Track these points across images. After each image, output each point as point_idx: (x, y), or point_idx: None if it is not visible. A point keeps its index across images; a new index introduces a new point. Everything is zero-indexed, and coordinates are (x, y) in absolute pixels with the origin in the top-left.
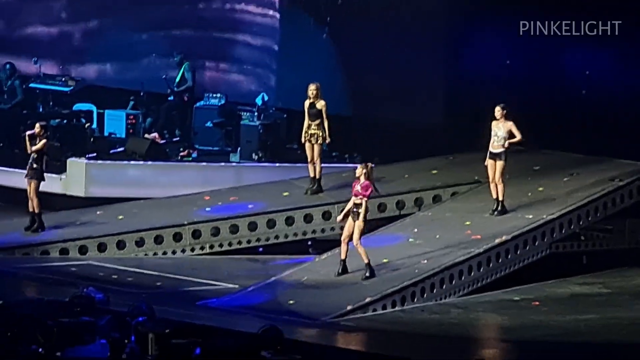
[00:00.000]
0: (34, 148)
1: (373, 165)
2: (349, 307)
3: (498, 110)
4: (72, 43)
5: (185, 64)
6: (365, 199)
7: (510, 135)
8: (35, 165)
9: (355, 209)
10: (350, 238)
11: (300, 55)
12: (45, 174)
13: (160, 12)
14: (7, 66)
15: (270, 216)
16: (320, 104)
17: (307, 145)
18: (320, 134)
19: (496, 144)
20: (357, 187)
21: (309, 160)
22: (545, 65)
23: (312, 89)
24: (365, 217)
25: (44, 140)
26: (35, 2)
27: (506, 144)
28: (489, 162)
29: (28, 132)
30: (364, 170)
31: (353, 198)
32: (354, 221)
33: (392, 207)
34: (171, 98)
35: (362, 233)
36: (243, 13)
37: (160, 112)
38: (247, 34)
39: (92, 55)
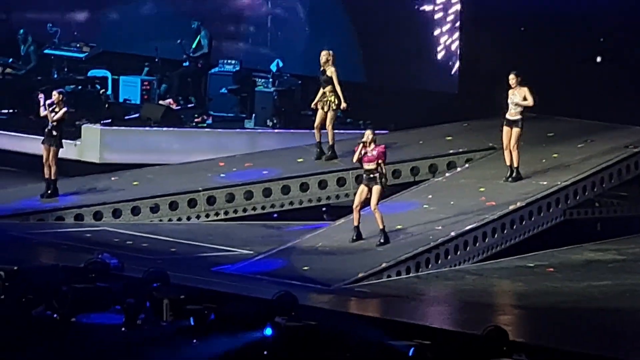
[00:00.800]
0: (55, 117)
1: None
2: (363, 274)
3: (512, 78)
4: (86, 8)
5: (203, 31)
6: (383, 163)
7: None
8: (55, 133)
9: (369, 175)
10: (362, 206)
11: (314, 21)
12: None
13: None
14: (21, 31)
15: (284, 182)
16: (330, 71)
17: (319, 111)
18: (333, 99)
19: (513, 111)
20: (372, 152)
21: (315, 125)
22: (559, 31)
23: (323, 54)
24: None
25: (64, 109)
26: None
27: (517, 108)
28: (504, 129)
29: (48, 101)
30: (373, 136)
31: (366, 165)
32: (368, 188)
33: (407, 174)
34: (186, 64)
35: (380, 198)
36: None
37: (174, 78)
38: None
39: (107, 21)
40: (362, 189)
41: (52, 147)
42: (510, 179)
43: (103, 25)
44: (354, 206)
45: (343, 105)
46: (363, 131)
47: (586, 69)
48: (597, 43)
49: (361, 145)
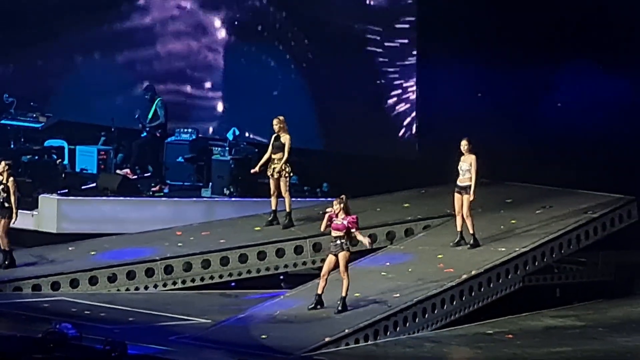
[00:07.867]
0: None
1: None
2: (321, 342)
3: (464, 145)
4: (43, 79)
5: (157, 100)
6: (357, 230)
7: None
8: (6, 205)
9: (335, 242)
10: (329, 273)
11: (271, 89)
12: (17, 211)
13: (129, 53)
14: None
15: (242, 251)
16: (285, 138)
17: (271, 179)
18: (283, 167)
19: (462, 178)
20: (343, 222)
21: (271, 192)
22: (516, 97)
23: (275, 123)
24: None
25: (13, 181)
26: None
27: (466, 174)
28: (455, 196)
29: None
30: (342, 205)
31: (334, 232)
32: (335, 256)
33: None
34: (144, 134)
35: (348, 263)
36: (215, 44)
37: (133, 147)
38: (218, 68)
39: (63, 91)
40: (330, 258)
41: (3, 219)
42: (468, 245)
43: (59, 95)
44: (322, 273)
45: (284, 170)
46: (320, 199)
47: (542, 135)
48: (555, 108)
49: (327, 215)
